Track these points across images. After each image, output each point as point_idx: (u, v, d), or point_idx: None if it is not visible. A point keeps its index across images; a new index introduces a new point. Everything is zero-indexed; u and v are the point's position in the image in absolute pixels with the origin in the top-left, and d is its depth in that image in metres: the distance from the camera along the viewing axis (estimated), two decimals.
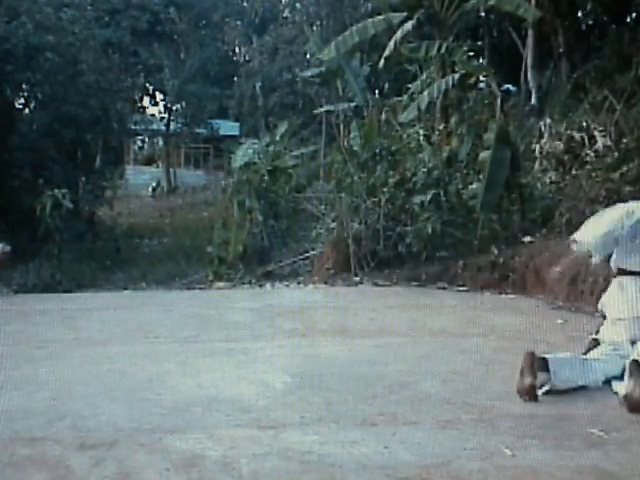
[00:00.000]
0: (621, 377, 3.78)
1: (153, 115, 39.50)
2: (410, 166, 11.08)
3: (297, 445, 3.09)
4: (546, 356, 3.82)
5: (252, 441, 3.15)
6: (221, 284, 12.17)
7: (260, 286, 11.19)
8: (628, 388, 3.54)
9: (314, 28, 30.55)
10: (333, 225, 11.52)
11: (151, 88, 39.94)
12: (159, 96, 41.05)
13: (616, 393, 3.73)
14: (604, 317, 4.37)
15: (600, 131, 11.67)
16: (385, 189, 10.90)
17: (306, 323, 6.43)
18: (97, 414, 3.58)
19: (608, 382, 3.86)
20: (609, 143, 11.30)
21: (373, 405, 3.70)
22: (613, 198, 9.70)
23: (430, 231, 9.92)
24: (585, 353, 4.15)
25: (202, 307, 7.64)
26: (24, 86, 18.35)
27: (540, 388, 3.76)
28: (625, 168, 10.29)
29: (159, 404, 3.75)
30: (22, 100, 19.27)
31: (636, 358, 3.71)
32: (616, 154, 10.95)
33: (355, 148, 12.66)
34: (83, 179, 21.30)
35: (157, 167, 43.44)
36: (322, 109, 20.50)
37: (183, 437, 3.20)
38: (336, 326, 6.22)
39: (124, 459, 2.96)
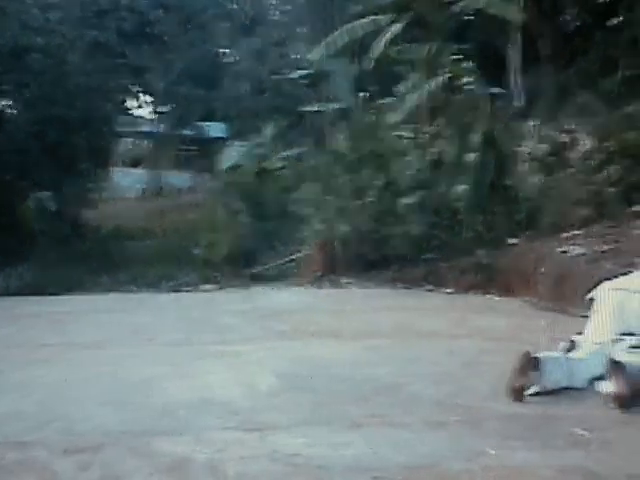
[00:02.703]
0: (605, 377, 3.82)
1: (141, 117, 39.32)
2: (397, 168, 11.12)
3: (285, 447, 3.10)
4: (539, 356, 3.85)
5: (240, 444, 3.17)
6: (208, 286, 12.16)
7: (247, 288, 11.20)
8: (614, 387, 3.58)
9: (303, 30, 30.59)
10: (320, 227, 11.53)
11: (139, 89, 39.75)
12: (147, 98, 40.89)
13: (601, 393, 3.76)
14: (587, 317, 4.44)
15: (584, 133, 11.75)
16: (372, 191, 10.92)
17: (294, 325, 6.45)
18: (87, 417, 3.59)
19: (593, 382, 3.89)
20: (593, 145, 11.39)
21: (361, 407, 3.72)
22: (596, 200, 9.79)
23: (416, 233, 9.96)
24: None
25: (191, 310, 7.65)
26: (11, 87, 18.28)
27: (529, 388, 3.78)
28: (608, 170, 10.37)
29: (149, 407, 3.76)
30: (9, 101, 19.19)
31: (613, 358, 3.76)
32: (600, 156, 11.03)
33: (342, 150, 12.69)
34: (69, 181, 21.19)
35: (144, 169, 43.24)
36: (309, 108, 20.51)
37: (171, 440, 3.21)
38: (324, 328, 6.25)
39: (112, 463, 2.97)
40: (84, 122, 20.47)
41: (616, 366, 3.65)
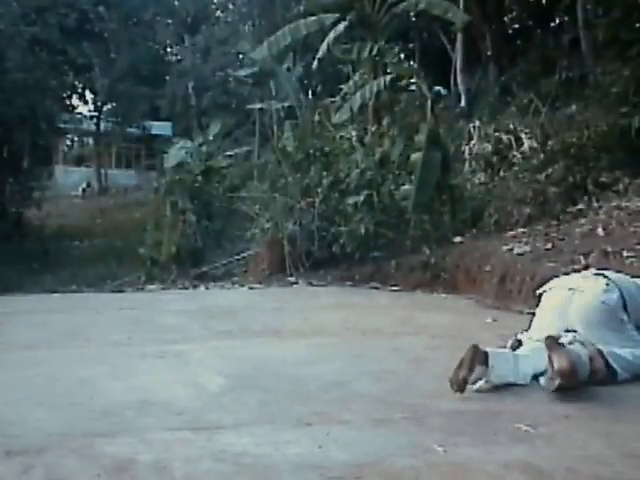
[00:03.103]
0: (547, 358, 3.87)
1: (83, 114, 38.72)
2: (343, 167, 11.18)
3: (231, 447, 3.08)
4: (487, 350, 3.90)
5: (185, 444, 3.13)
6: (154, 286, 12.03)
7: (194, 287, 11.11)
8: (555, 363, 3.64)
9: (247, 28, 30.50)
10: (268, 226, 11.53)
11: (80, 87, 39.14)
12: (89, 95, 40.30)
13: (544, 386, 3.83)
14: (534, 314, 4.52)
15: (526, 133, 11.99)
16: (319, 190, 10.97)
17: (240, 324, 6.42)
18: (24, 420, 3.49)
19: (536, 378, 3.95)
20: (535, 145, 11.63)
21: (307, 405, 3.72)
22: (539, 199, 9.99)
23: (363, 232, 10.03)
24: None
25: (134, 309, 7.53)
26: None
27: (475, 383, 3.83)
28: (550, 170, 10.59)
29: (89, 408, 3.68)
30: None
31: (552, 335, 3.84)
32: (542, 156, 11.27)
33: (289, 149, 12.69)
34: (10, 179, 20.75)
35: (87, 167, 42.63)
36: (255, 105, 20.49)
37: (114, 442, 3.15)
38: (270, 327, 6.23)
39: (54, 465, 2.89)
40: (25, 119, 20.06)
41: (555, 343, 3.72)
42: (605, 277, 4.31)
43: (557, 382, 3.65)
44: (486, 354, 3.86)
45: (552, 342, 3.74)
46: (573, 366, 3.63)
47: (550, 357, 3.71)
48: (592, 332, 4.11)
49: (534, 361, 3.99)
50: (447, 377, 3.83)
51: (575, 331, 4.14)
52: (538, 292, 4.59)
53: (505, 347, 4.35)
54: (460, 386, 3.78)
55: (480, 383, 3.85)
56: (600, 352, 3.99)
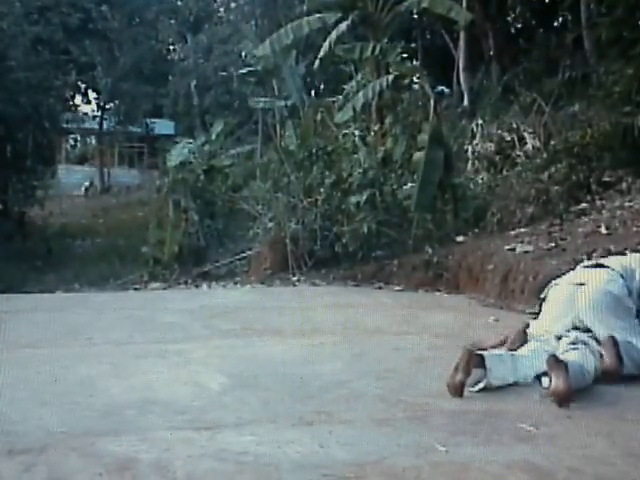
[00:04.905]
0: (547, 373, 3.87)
1: (86, 113, 38.73)
2: (346, 166, 11.18)
3: (233, 446, 3.07)
4: (483, 353, 3.89)
5: (187, 443, 3.12)
6: (156, 285, 12.05)
7: (196, 286, 11.12)
8: (552, 383, 3.63)
9: (249, 27, 30.51)
10: (270, 225, 11.53)
11: (83, 86, 39.15)
12: (92, 94, 40.32)
13: (545, 388, 3.82)
14: (536, 313, 4.51)
15: (529, 132, 11.97)
16: (321, 189, 10.97)
17: (242, 323, 6.41)
18: (26, 418, 3.50)
19: (538, 378, 3.95)
20: (538, 144, 11.62)
21: (309, 404, 3.71)
22: (542, 198, 9.98)
23: (366, 231, 10.03)
24: (514, 350, 4.26)
25: (136, 308, 7.53)
26: None
27: (475, 385, 3.82)
28: (553, 169, 10.58)
29: (91, 407, 3.68)
30: None
31: (555, 355, 3.83)
32: (545, 155, 11.25)
33: (291, 148, 12.69)
34: (13, 178, 20.78)
35: (90, 166, 42.66)
36: (258, 104, 20.50)
37: (116, 440, 3.15)
38: (272, 326, 6.22)
39: (55, 464, 2.89)
40: (28, 118, 20.09)
41: (557, 363, 3.71)
42: (606, 267, 4.34)
43: (550, 400, 3.64)
44: (482, 357, 3.86)
45: (554, 361, 3.72)
46: (568, 389, 3.60)
47: (549, 374, 3.70)
48: (602, 322, 4.12)
49: (534, 362, 3.98)
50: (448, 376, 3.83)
51: (578, 328, 4.15)
52: (542, 295, 4.58)
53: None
54: (457, 390, 3.77)
55: (480, 385, 3.85)
56: (614, 339, 3.99)
